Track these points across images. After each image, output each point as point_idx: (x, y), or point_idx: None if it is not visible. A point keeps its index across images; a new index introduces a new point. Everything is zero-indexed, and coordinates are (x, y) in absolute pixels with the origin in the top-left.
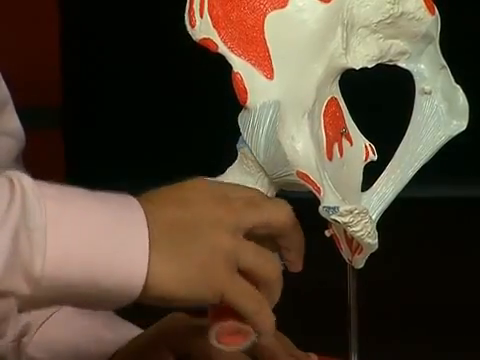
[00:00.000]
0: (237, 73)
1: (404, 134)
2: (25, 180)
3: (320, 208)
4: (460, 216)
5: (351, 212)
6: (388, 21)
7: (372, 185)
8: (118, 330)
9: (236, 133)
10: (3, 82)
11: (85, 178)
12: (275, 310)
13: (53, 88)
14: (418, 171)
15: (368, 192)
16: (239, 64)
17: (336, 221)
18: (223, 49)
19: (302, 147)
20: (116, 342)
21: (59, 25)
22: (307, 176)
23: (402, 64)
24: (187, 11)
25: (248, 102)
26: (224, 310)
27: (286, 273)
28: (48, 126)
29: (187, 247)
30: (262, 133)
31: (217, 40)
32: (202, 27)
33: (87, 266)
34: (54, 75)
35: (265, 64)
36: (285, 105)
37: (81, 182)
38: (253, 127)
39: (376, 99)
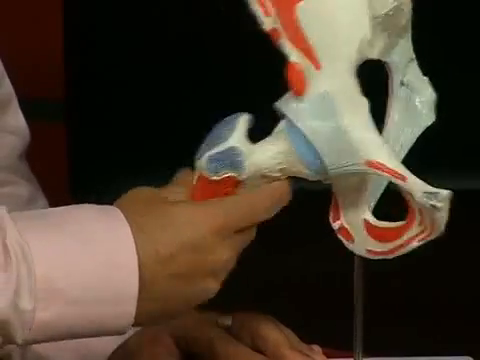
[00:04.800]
0: (295, 63)
1: (381, 124)
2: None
3: (419, 194)
4: (467, 208)
5: (447, 197)
6: (390, 13)
7: None
8: None
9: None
10: (7, 79)
11: (88, 171)
12: (280, 302)
13: (56, 81)
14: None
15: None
16: (295, 54)
17: (435, 206)
18: (283, 39)
19: (372, 135)
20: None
21: (62, 17)
22: (383, 165)
23: (378, 56)
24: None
25: (305, 93)
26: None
27: (292, 266)
28: (51, 119)
29: (175, 292)
30: (323, 124)
31: (281, 30)
32: (274, 16)
33: (75, 332)
34: (57, 68)
35: (312, 55)
36: (339, 95)
37: (83, 175)
38: (311, 119)
39: None
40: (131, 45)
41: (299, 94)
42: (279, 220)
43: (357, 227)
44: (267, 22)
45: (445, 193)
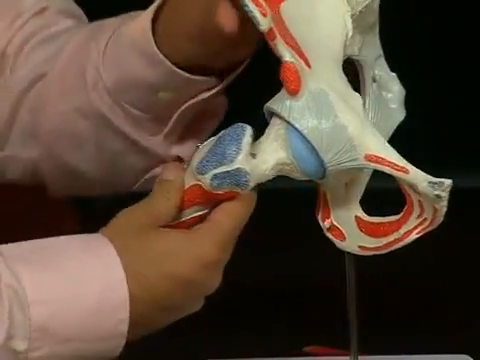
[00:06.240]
0: (291, 63)
1: None
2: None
3: (424, 184)
4: (461, 207)
5: (449, 186)
6: (364, 10)
7: None
8: None
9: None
10: None
11: None
12: (278, 301)
13: None
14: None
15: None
16: (289, 54)
17: (439, 196)
18: (278, 39)
19: (369, 130)
20: None
21: None
22: (382, 158)
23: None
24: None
25: (300, 91)
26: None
27: (286, 267)
28: None
29: (164, 319)
30: (320, 122)
31: (275, 30)
32: (269, 17)
33: (72, 358)
34: None
35: (302, 54)
36: (332, 91)
37: None
38: (309, 116)
39: None
40: None
41: (295, 93)
42: (277, 220)
43: (349, 224)
44: (264, 23)
45: (448, 182)
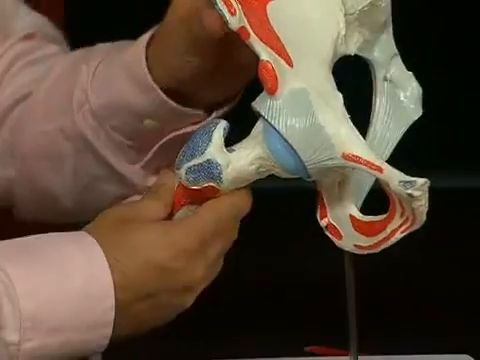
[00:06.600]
0: (267, 62)
1: (367, 121)
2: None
3: (395, 183)
4: (457, 206)
5: (424, 185)
6: (366, 9)
7: None
8: None
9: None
10: None
11: None
12: (278, 301)
13: None
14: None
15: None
16: (266, 53)
17: (411, 195)
18: (253, 38)
19: (345, 129)
20: None
21: (62, 16)
22: (358, 157)
23: (360, 52)
24: None
25: (279, 90)
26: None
27: (286, 267)
28: None
29: (150, 311)
30: (298, 121)
31: (249, 29)
32: (239, 15)
33: (58, 354)
34: None
35: (284, 53)
36: (312, 91)
37: None
38: (286, 116)
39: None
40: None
41: (272, 92)
42: (276, 220)
43: (344, 223)
44: (232, 21)
45: (421, 181)
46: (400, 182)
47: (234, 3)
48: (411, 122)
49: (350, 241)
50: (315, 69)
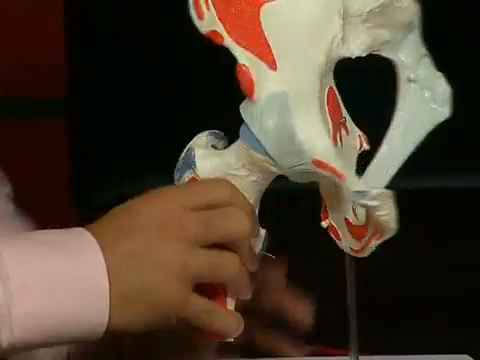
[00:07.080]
0: (243, 65)
1: (389, 122)
2: None
3: (350, 193)
4: (457, 207)
5: (380, 195)
6: (378, 10)
7: (361, 175)
8: None
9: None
10: None
11: (89, 170)
12: None
13: (56, 79)
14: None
15: (360, 180)
16: (244, 57)
17: (366, 205)
18: (228, 42)
19: (317, 135)
20: None
21: (62, 16)
22: (325, 164)
23: (384, 53)
24: (193, 2)
25: (255, 94)
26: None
27: (289, 266)
28: (51, 117)
29: (141, 284)
30: (272, 125)
31: (223, 33)
32: (210, 19)
33: (54, 329)
34: (57, 65)
35: (268, 56)
36: (292, 95)
37: (84, 174)
38: (262, 119)
39: (360, 87)
40: (132, 43)
41: (249, 96)
42: (277, 219)
43: (342, 226)
44: (200, 26)
45: (375, 192)
46: (353, 192)
47: (204, 8)
48: (436, 123)
49: (347, 243)
50: (300, 73)
